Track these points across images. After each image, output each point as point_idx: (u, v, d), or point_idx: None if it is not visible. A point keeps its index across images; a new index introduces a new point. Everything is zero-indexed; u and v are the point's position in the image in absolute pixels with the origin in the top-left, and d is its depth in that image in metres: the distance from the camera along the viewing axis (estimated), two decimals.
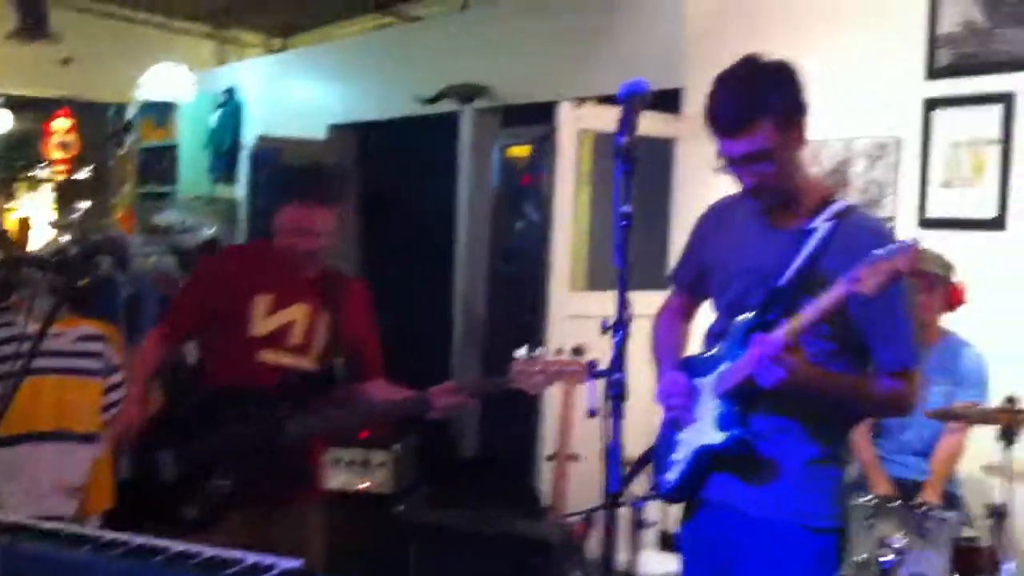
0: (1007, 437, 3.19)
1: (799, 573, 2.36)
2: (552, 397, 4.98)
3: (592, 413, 2.20)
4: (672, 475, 2.48)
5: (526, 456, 5.16)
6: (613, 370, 2.10)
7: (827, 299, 2.14)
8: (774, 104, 2.26)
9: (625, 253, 2.11)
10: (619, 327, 2.10)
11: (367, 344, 3.32)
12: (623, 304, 2.11)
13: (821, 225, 2.30)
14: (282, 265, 3.17)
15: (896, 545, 3.18)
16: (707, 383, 2.42)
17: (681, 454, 2.46)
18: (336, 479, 4.65)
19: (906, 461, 3.78)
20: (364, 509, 4.60)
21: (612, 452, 2.09)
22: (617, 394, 2.09)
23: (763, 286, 2.35)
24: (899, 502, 3.30)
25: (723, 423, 2.35)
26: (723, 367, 2.38)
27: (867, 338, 2.32)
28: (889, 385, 2.33)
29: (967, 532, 3.36)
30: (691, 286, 2.67)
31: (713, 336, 2.51)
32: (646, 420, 5.22)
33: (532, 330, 5.35)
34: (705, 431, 2.39)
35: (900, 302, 2.30)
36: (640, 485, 3.13)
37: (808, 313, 2.17)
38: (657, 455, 2.60)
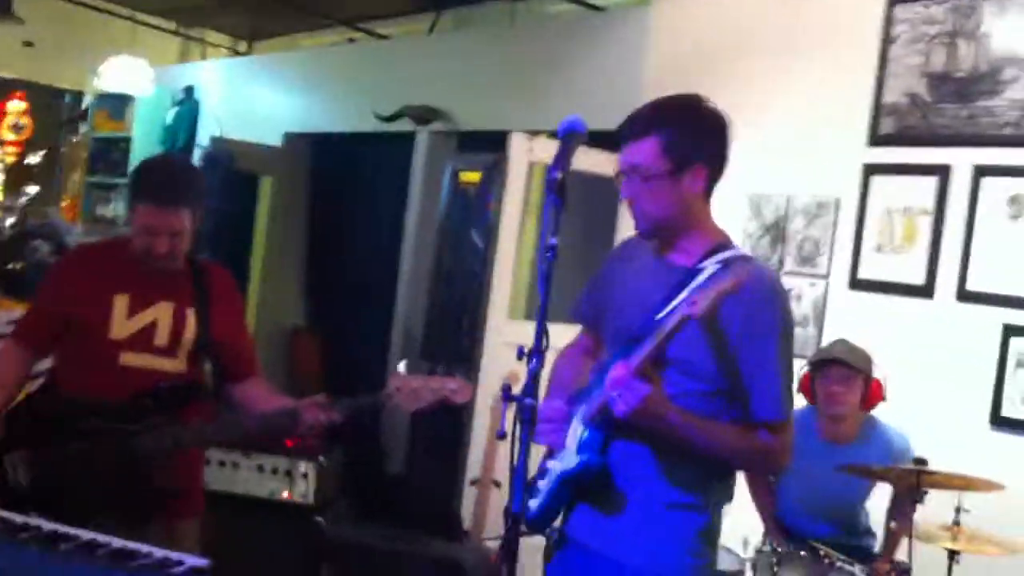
0: (914, 498, 3.28)
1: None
2: (480, 423, 5.04)
3: (501, 435, 2.23)
4: (534, 504, 2.45)
5: (450, 479, 5.20)
6: (525, 395, 2.13)
7: (668, 324, 2.17)
8: (673, 130, 2.31)
9: (548, 284, 2.15)
10: (535, 355, 2.13)
11: (239, 339, 3.17)
12: (540, 333, 2.14)
13: (710, 266, 2.28)
14: (139, 262, 2.98)
15: None
16: (580, 411, 2.42)
17: (544, 483, 2.45)
18: (260, 486, 4.65)
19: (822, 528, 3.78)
20: (284, 519, 4.59)
21: (518, 473, 2.10)
22: (527, 419, 2.11)
23: (642, 320, 2.32)
24: (804, 552, 3.38)
25: (580, 448, 2.34)
26: (595, 395, 2.37)
27: (742, 385, 2.30)
28: (758, 437, 2.31)
29: None
30: (593, 322, 2.63)
31: (599, 367, 2.49)
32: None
33: (467, 355, 5.41)
34: (567, 458, 2.39)
35: (776, 351, 2.31)
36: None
37: (653, 339, 2.19)
38: (531, 487, 2.54)
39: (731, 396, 2.33)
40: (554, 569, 2.53)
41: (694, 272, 2.28)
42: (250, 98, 8.56)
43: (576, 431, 2.39)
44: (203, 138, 8.54)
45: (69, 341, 3.02)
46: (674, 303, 2.23)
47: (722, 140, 2.38)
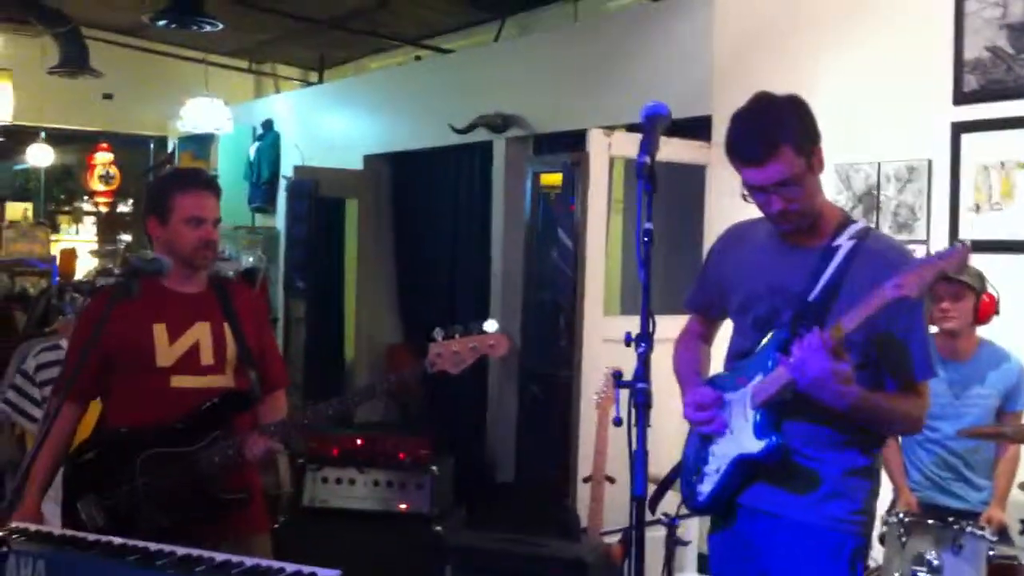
0: None
1: (830, 571, 2.43)
2: (586, 419, 5.05)
3: (618, 422, 2.26)
4: (706, 487, 2.54)
5: (562, 479, 5.22)
6: (637, 380, 2.15)
7: (871, 304, 2.22)
8: (791, 131, 2.37)
9: (648, 268, 2.18)
10: (642, 339, 2.16)
11: (269, 351, 3.25)
12: (646, 316, 2.18)
13: (844, 243, 2.41)
14: (166, 290, 3.07)
15: (931, 562, 3.20)
16: (738, 396, 2.48)
17: (715, 466, 2.51)
18: (377, 500, 4.74)
19: (958, 488, 3.78)
20: (402, 529, 4.67)
21: (638, 458, 2.13)
22: (642, 402, 2.14)
23: (791, 303, 2.43)
24: (931, 519, 3.33)
25: (760, 431, 2.41)
26: (757, 380, 2.43)
27: (883, 354, 2.39)
28: (911, 399, 2.43)
29: (1004, 550, 3.37)
30: (707, 309, 2.76)
31: (737, 355, 2.58)
32: (671, 442, 5.28)
33: (567, 355, 5.43)
34: (741, 441, 2.45)
35: (922, 314, 2.42)
36: (671, 504, 3.17)
37: (852, 316, 2.24)
38: (685, 469, 2.65)
39: (877, 367, 2.42)
40: (729, 536, 2.59)
41: (831, 250, 2.41)
42: (327, 125, 8.71)
43: (745, 415, 2.45)
44: (286, 168, 8.72)
45: (116, 379, 3.08)
46: (823, 281, 2.38)
47: (813, 115, 2.46)
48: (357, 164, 8.11)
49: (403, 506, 4.68)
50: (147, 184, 7.36)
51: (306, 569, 2.33)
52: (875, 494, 2.53)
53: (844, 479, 2.45)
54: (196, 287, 3.14)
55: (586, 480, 4.46)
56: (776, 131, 2.36)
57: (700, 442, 2.59)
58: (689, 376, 2.69)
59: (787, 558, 2.45)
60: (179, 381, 3.03)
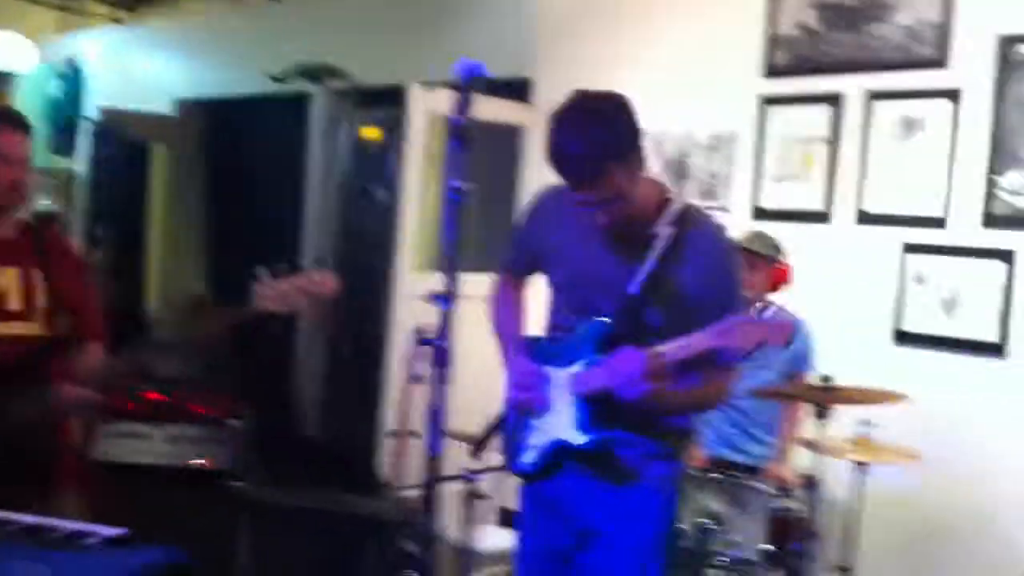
0: (821, 414, 3.35)
1: (655, 523, 2.50)
2: (394, 375, 5.02)
3: (416, 378, 2.24)
4: (528, 457, 2.55)
5: (367, 434, 5.17)
6: (439, 338, 2.13)
7: (694, 346, 2.26)
8: (617, 148, 2.29)
9: (455, 226, 2.15)
10: (446, 298, 2.14)
11: (86, 301, 3.09)
12: (451, 275, 2.16)
13: (663, 231, 2.39)
14: None
15: (717, 514, 3.31)
16: (561, 377, 2.49)
17: (537, 440, 2.53)
18: (174, 455, 4.57)
19: (744, 444, 3.92)
20: (200, 485, 4.52)
21: (435, 416, 2.13)
22: (442, 361, 2.13)
23: (611, 293, 2.42)
24: (717, 473, 3.44)
25: (583, 426, 2.43)
26: (577, 367, 2.45)
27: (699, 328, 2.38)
28: (720, 379, 2.48)
29: (785, 503, 3.52)
30: (524, 272, 2.75)
31: (557, 327, 2.58)
32: (479, 397, 5.30)
33: (378, 310, 5.38)
34: (563, 427, 2.47)
35: (735, 297, 2.46)
36: (476, 460, 3.17)
37: (677, 351, 2.27)
38: (508, 434, 2.65)
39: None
40: (540, 491, 2.59)
41: (650, 238, 2.40)
42: (137, 67, 8.31)
43: (564, 400, 2.46)
44: (90, 110, 8.29)
45: None
46: (643, 273, 2.38)
47: (636, 115, 2.36)
48: (168, 108, 7.79)
49: (200, 462, 4.53)
50: None
51: (87, 527, 2.21)
52: (689, 446, 2.65)
53: (663, 443, 2.51)
54: (6, 231, 2.93)
55: (390, 435, 4.43)
56: (603, 154, 2.27)
57: (520, 411, 2.59)
58: (509, 336, 2.68)
59: (611, 515, 2.48)
60: None
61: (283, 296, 2.73)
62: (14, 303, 2.89)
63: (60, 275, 2.98)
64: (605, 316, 2.42)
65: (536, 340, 2.64)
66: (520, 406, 2.56)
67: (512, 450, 2.62)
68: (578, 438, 2.44)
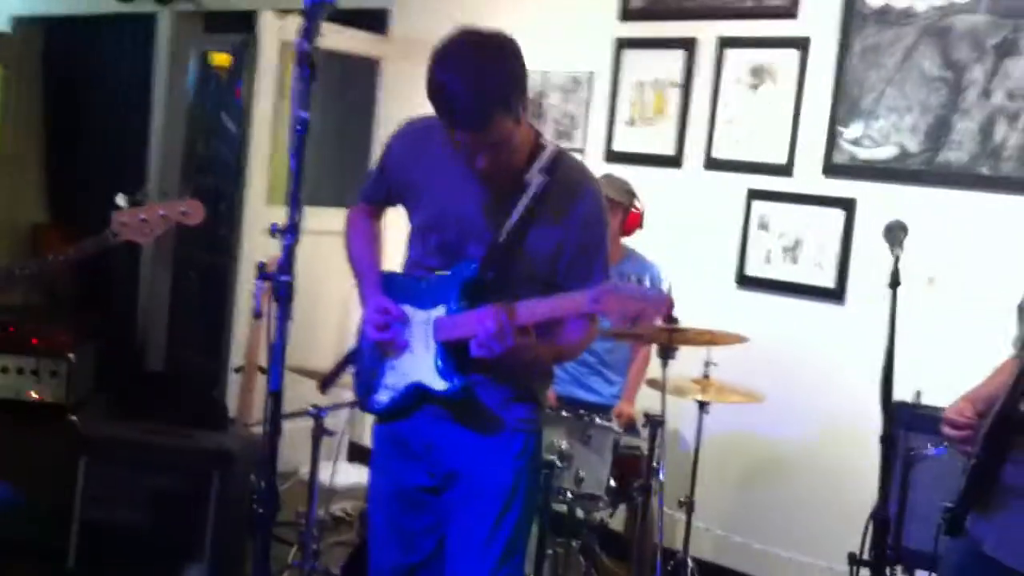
0: (665, 355, 3.43)
1: (509, 468, 2.45)
2: (241, 309, 4.92)
3: (258, 314, 2.17)
4: (383, 397, 2.49)
5: (213, 368, 5.07)
6: (280, 272, 2.06)
7: (563, 306, 2.22)
8: (507, 93, 2.21)
9: (300, 158, 2.06)
10: (289, 231, 2.07)
11: None
12: (295, 207, 2.06)
13: (535, 179, 2.34)
14: None
15: (563, 450, 3.37)
16: (420, 319, 2.42)
17: (393, 380, 2.47)
18: (6, 387, 4.40)
19: (594, 383, 3.98)
20: (35, 419, 4.37)
21: (275, 351, 2.06)
22: (284, 295, 2.05)
23: (479, 239, 2.36)
24: (564, 412, 3.50)
25: (445, 372, 2.38)
26: (439, 311, 2.39)
27: (565, 279, 2.38)
28: (581, 330, 2.43)
29: (629, 440, 3.61)
30: (383, 202, 2.65)
31: (419, 265, 2.49)
32: (327, 332, 5.22)
33: (226, 241, 5.25)
34: (423, 370, 2.41)
35: (603, 250, 2.42)
36: (315, 394, 3.14)
37: (540, 309, 2.23)
38: (361, 367, 2.58)
39: (551, 287, 2.37)
40: (395, 431, 2.54)
41: (521, 185, 2.34)
42: None
43: (426, 344, 2.40)
44: None
45: None
46: (511, 221, 2.32)
47: (522, 58, 2.28)
48: (4, 25, 7.36)
49: (35, 395, 4.37)
50: None
51: None
52: (548, 386, 2.62)
53: (520, 394, 2.47)
54: None
55: (237, 371, 4.35)
56: (493, 97, 2.18)
57: (374, 349, 2.51)
58: (366, 268, 2.57)
59: (473, 458, 2.45)
60: None
61: (143, 226, 2.62)
62: None
63: None
64: (471, 261, 2.36)
65: (394, 276, 2.56)
66: (376, 345, 2.48)
67: (365, 388, 2.55)
68: (439, 383, 2.38)
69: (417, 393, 2.43)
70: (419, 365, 2.42)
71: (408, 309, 2.44)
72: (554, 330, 2.40)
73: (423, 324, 2.42)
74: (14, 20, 7.38)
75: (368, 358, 2.54)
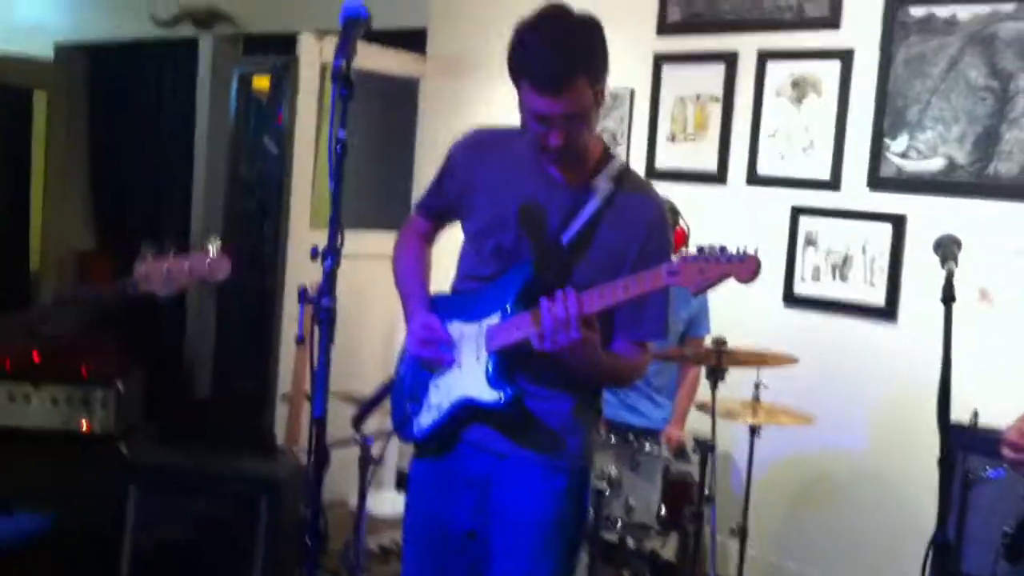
0: (714, 377, 3.39)
1: (556, 504, 2.37)
2: (287, 335, 4.93)
3: (300, 340, 2.14)
4: (425, 420, 2.40)
5: (260, 395, 5.08)
6: (321, 295, 2.02)
7: (644, 283, 2.12)
8: (593, 63, 2.20)
9: (340, 178, 2.02)
10: (329, 254, 2.02)
11: None
12: (335, 230, 2.02)
13: (602, 186, 2.30)
14: None
15: (612, 476, 3.33)
16: (471, 331, 2.35)
17: (437, 400, 2.39)
18: (56, 418, 4.43)
19: (643, 407, 3.94)
20: (84, 449, 4.40)
21: (318, 378, 2.01)
22: (325, 319, 2.00)
23: (540, 240, 2.31)
24: (613, 438, 3.46)
25: (496, 381, 2.30)
26: (493, 319, 2.31)
27: (624, 306, 2.29)
28: (630, 355, 2.38)
29: (679, 466, 3.56)
30: (440, 215, 2.57)
31: (470, 277, 2.44)
32: (373, 357, 5.21)
33: (270, 266, 5.26)
34: (472, 383, 2.32)
35: (667, 260, 2.30)
36: (372, 422, 3.12)
37: (608, 294, 2.15)
38: (399, 392, 2.50)
39: (609, 317, 2.33)
40: (437, 469, 2.46)
41: (589, 190, 2.29)
42: (17, 9, 7.93)
43: (477, 355, 2.32)
44: None
45: None
46: (577, 225, 2.26)
47: (606, 42, 2.27)
48: (47, 53, 7.45)
49: (85, 424, 4.39)
50: None
51: None
52: (594, 425, 2.54)
53: (571, 418, 2.39)
54: None
55: (284, 397, 4.35)
56: (577, 60, 2.16)
57: (419, 368, 2.44)
58: (413, 290, 2.50)
59: (516, 495, 2.37)
60: None
61: (167, 278, 2.59)
62: None
63: None
64: (527, 263, 2.30)
65: (441, 296, 2.49)
66: (421, 362, 2.41)
67: (403, 415, 2.47)
68: (489, 394, 2.29)
69: (465, 411, 2.34)
70: (468, 379, 2.33)
71: (457, 326, 2.37)
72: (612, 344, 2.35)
73: (473, 337, 2.34)
74: (57, 47, 7.46)
75: (408, 382, 2.48)
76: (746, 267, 2.04)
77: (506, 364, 2.30)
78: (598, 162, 2.35)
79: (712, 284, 2.08)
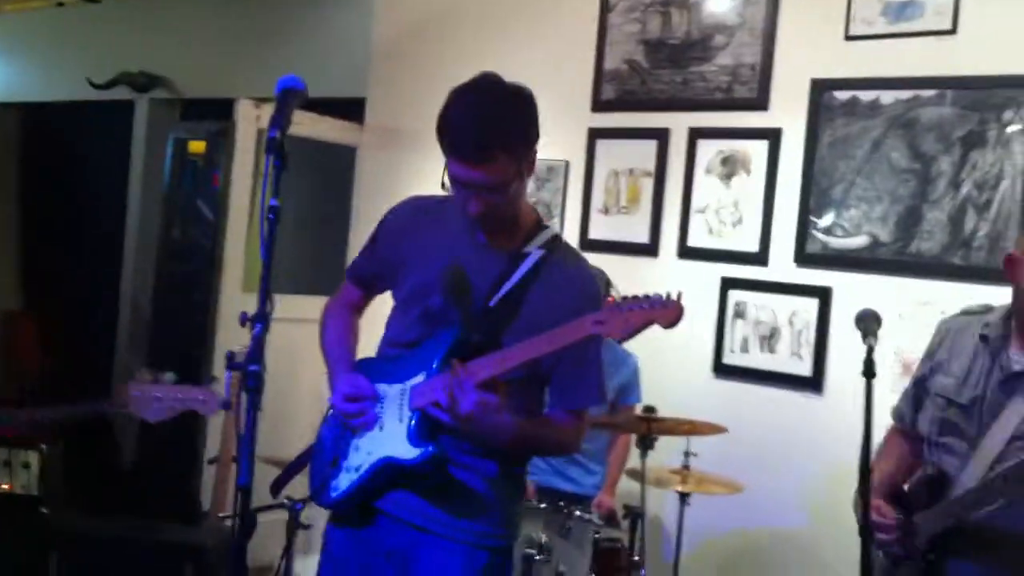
0: (645, 444, 3.43)
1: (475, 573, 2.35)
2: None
3: (226, 406, 2.13)
4: (342, 483, 2.37)
5: (188, 460, 5.01)
6: (250, 362, 2.02)
7: (566, 335, 2.13)
8: (514, 135, 2.23)
9: (270, 246, 2.04)
10: (259, 319, 2.02)
11: None
12: (264, 296, 2.03)
13: (534, 252, 2.34)
14: None
15: (542, 544, 3.34)
16: (395, 392, 2.35)
17: (357, 462, 2.36)
18: None
19: (574, 473, 3.96)
20: (5, 511, 4.29)
21: (244, 444, 1.97)
22: (254, 386, 1.98)
23: (465, 303, 2.32)
24: (544, 504, 3.47)
25: (415, 438, 2.28)
26: (418, 379, 2.32)
27: (555, 372, 2.34)
28: (565, 424, 2.39)
29: (609, 533, 3.59)
30: (370, 281, 2.59)
31: (397, 343, 2.45)
32: (300, 423, 5.17)
33: (201, 330, 5.22)
34: (393, 443, 2.31)
35: (599, 345, 2.38)
36: (298, 487, 3.09)
37: (540, 345, 2.15)
38: (319, 456, 2.48)
39: (542, 382, 2.37)
40: (353, 538, 2.43)
41: (519, 256, 2.33)
42: None
43: (400, 415, 2.32)
44: None
45: None
46: (505, 288, 2.29)
47: (536, 116, 2.31)
48: None
49: (5, 486, 4.29)
50: None
51: None
52: (519, 499, 2.51)
53: (493, 488, 2.38)
54: None
55: (211, 462, 4.30)
56: (497, 134, 2.20)
57: (342, 431, 2.42)
58: (339, 356, 2.51)
59: (424, 570, 2.35)
60: None
61: (156, 404, 2.58)
62: None
63: None
64: (454, 325, 2.31)
65: (367, 360, 2.49)
66: (345, 421, 2.39)
67: (322, 479, 2.42)
68: (410, 452, 2.27)
69: (384, 472, 2.32)
70: (389, 439, 2.32)
71: (381, 387, 2.37)
72: (535, 413, 2.37)
73: (397, 397, 2.34)
74: None
75: (329, 446, 2.45)
76: (668, 312, 2.07)
77: (428, 423, 2.29)
78: (530, 230, 2.39)
79: (637, 330, 2.09)
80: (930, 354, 2.70)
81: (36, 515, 4.27)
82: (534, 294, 2.32)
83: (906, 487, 2.56)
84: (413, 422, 2.30)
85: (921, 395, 2.68)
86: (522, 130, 2.26)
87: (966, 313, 2.67)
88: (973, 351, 2.55)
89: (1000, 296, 2.64)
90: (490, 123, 2.21)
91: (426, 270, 2.39)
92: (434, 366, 2.30)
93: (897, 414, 2.77)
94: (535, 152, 2.32)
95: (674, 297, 2.06)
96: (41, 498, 4.34)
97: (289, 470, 2.63)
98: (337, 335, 2.57)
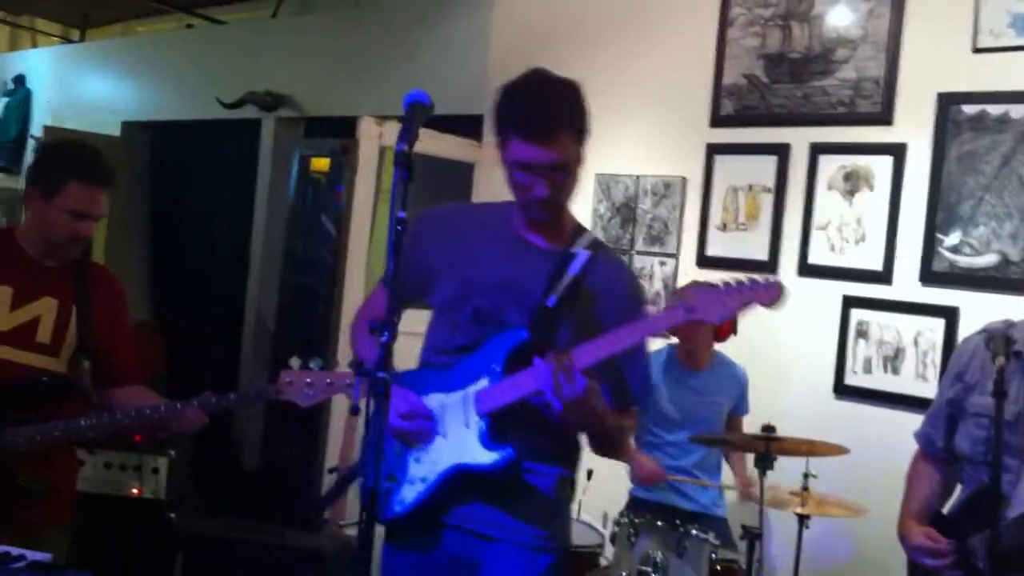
0: (763, 464, 3.38)
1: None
2: (337, 409, 4.98)
3: (355, 411, 2.16)
4: (408, 496, 2.35)
5: (309, 467, 5.12)
6: (378, 368, 2.01)
7: (658, 323, 2.20)
8: (575, 115, 2.32)
9: (397, 256, 2.07)
10: (386, 328, 2.04)
11: (119, 345, 3.03)
12: (392, 306, 2.06)
13: (581, 251, 2.38)
14: (23, 254, 2.88)
15: (657, 562, 3.32)
16: (456, 399, 2.35)
17: (422, 472, 2.35)
18: (108, 483, 4.49)
19: (694, 492, 3.94)
20: (135, 514, 4.45)
21: (369, 450, 1.99)
22: (381, 392, 1.98)
23: (523, 304, 2.34)
24: (660, 522, 3.45)
25: (491, 443, 2.29)
26: (481, 383, 2.32)
27: (609, 371, 2.32)
28: (631, 413, 2.44)
29: (725, 554, 3.54)
30: (410, 288, 2.47)
31: (448, 350, 2.42)
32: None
33: (322, 343, 5.34)
34: (461, 450, 2.31)
35: (645, 342, 2.41)
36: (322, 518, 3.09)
37: (623, 338, 2.19)
38: (374, 478, 2.32)
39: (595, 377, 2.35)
40: (420, 560, 2.41)
41: (569, 256, 2.36)
42: (85, 86, 8.23)
43: (466, 421, 2.32)
44: (36, 128, 8.18)
45: None
46: (562, 287, 2.31)
47: (588, 107, 2.38)
48: (115, 130, 7.70)
49: (135, 490, 4.46)
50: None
51: (14, 551, 2.24)
52: (571, 503, 2.54)
53: (556, 492, 2.40)
54: (55, 261, 2.91)
55: (331, 471, 4.39)
56: (564, 112, 2.30)
57: (395, 445, 2.38)
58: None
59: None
60: (6, 352, 2.81)
61: (307, 390, 2.67)
62: (44, 335, 2.86)
63: (96, 314, 2.93)
64: (518, 327, 2.31)
65: (411, 372, 2.45)
66: (399, 437, 2.36)
67: (381, 496, 2.33)
68: (486, 456, 2.27)
69: (455, 480, 2.31)
70: (457, 446, 2.31)
71: (436, 397, 2.37)
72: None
73: (459, 404, 2.34)
74: (123, 124, 7.70)
75: (388, 461, 2.39)
76: (771, 291, 2.09)
77: (498, 427, 2.30)
78: (574, 232, 2.44)
79: (732, 313, 2.12)
80: (959, 375, 2.67)
81: (164, 519, 4.42)
82: (585, 292, 2.36)
83: (944, 511, 2.51)
84: (484, 426, 2.31)
85: (956, 416, 2.65)
86: (582, 115, 2.34)
87: (988, 331, 2.61)
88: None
89: None
90: (556, 103, 2.31)
91: (472, 271, 2.41)
92: (497, 371, 2.31)
93: (926, 439, 2.74)
94: (586, 144, 2.36)
95: (774, 281, 2.10)
96: (169, 503, 4.49)
97: (338, 486, 2.65)
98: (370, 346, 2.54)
